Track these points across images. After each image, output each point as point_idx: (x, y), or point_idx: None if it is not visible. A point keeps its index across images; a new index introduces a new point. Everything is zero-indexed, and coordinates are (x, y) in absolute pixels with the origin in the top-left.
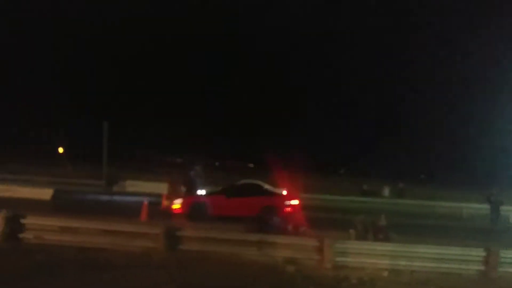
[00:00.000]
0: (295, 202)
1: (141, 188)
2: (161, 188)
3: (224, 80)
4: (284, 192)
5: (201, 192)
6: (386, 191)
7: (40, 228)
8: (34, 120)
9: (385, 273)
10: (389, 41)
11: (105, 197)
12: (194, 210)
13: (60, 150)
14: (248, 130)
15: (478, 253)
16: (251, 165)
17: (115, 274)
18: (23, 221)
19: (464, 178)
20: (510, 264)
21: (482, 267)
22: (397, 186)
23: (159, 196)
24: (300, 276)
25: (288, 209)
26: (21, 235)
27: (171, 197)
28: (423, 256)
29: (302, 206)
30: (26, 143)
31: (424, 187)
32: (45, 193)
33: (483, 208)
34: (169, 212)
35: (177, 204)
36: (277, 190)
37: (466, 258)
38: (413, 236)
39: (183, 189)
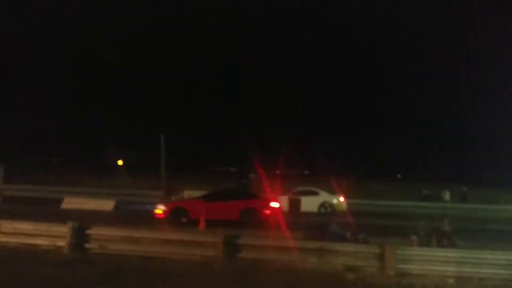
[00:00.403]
0: (275, 204)
1: None
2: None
3: (278, 90)
4: (265, 196)
5: None
6: (447, 195)
7: (104, 239)
8: (93, 134)
9: (451, 281)
10: (440, 43)
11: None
12: (175, 215)
13: (120, 162)
14: (302, 137)
15: None
16: (306, 172)
17: (176, 282)
18: (88, 232)
19: None
20: None
21: None
22: (460, 190)
23: None
24: (361, 284)
25: (267, 211)
26: (87, 245)
27: None
28: (491, 263)
29: (362, 212)
30: (87, 157)
31: (488, 191)
32: (107, 205)
33: None
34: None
35: (159, 210)
36: (258, 194)
37: None
38: (479, 242)
39: None
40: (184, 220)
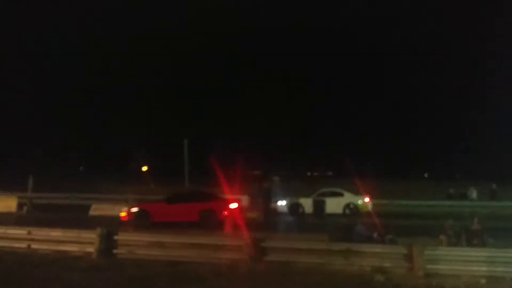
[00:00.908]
0: (234, 205)
1: None
2: (243, 200)
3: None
4: (225, 197)
5: (281, 202)
6: (474, 194)
7: (132, 244)
8: (118, 140)
9: (483, 281)
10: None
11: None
12: (137, 217)
13: (144, 168)
14: (326, 139)
15: None
16: (330, 173)
17: (203, 285)
18: (116, 237)
19: None
20: None
21: None
22: (489, 188)
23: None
24: (390, 285)
25: (226, 212)
26: (115, 251)
27: (252, 208)
28: None
29: (388, 213)
30: (112, 164)
31: None
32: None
33: None
34: (251, 223)
35: (123, 213)
36: (219, 196)
37: None
38: (511, 240)
39: (259, 200)
40: (146, 223)
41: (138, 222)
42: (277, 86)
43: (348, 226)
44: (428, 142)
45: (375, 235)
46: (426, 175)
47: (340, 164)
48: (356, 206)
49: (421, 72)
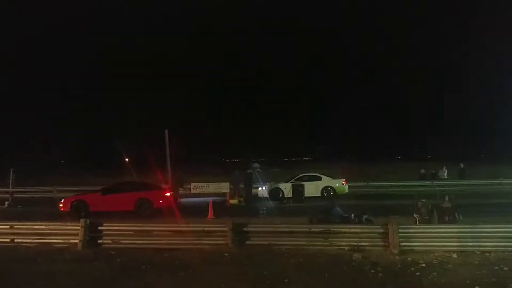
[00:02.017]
0: (168, 194)
1: (205, 189)
2: (224, 187)
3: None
4: (162, 186)
5: (262, 188)
6: (445, 173)
7: (117, 234)
8: (98, 131)
9: (454, 255)
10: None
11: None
12: (74, 208)
13: (126, 159)
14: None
15: None
16: (309, 158)
17: (190, 272)
18: (100, 227)
19: None
20: None
21: None
22: (458, 167)
23: (223, 195)
24: (367, 263)
25: (161, 201)
26: (100, 241)
27: (234, 195)
28: (493, 236)
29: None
30: (92, 154)
31: (485, 167)
32: None
33: None
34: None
35: (61, 204)
36: (155, 185)
37: None
38: (480, 216)
39: (241, 186)
40: (85, 212)
41: (76, 213)
42: (257, 76)
43: (327, 208)
44: (402, 126)
45: (352, 215)
46: (399, 157)
47: (319, 149)
48: (333, 189)
49: (397, 56)
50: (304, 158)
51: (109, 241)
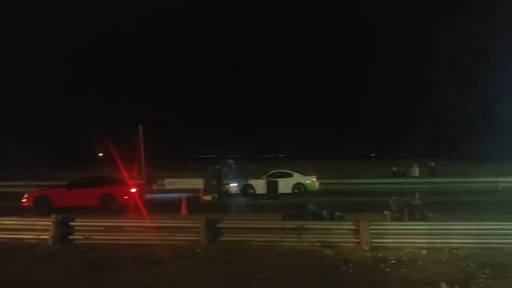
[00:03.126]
0: (133, 190)
1: (179, 185)
2: (198, 183)
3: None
4: (127, 182)
5: (233, 184)
6: (416, 171)
7: (88, 229)
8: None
9: (424, 252)
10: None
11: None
12: (37, 203)
13: (100, 154)
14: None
15: None
16: (283, 155)
17: (163, 267)
18: (71, 223)
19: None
20: None
21: None
22: (428, 165)
23: (197, 191)
24: (339, 259)
25: (126, 197)
26: (71, 237)
27: (207, 190)
28: (462, 233)
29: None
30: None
31: (456, 164)
32: None
33: None
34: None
35: (24, 199)
36: (120, 180)
37: (504, 232)
38: (449, 214)
39: (213, 182)
40: (48, 208)
41: (39, 208)
42: (236, 73)
43: (300, 205)
44: (377, 124)
45: (324, 212)
46: (373, 155)
47: (293, 146)
48: (304, 186)
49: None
50: (279, 155)
51: (81, 237)
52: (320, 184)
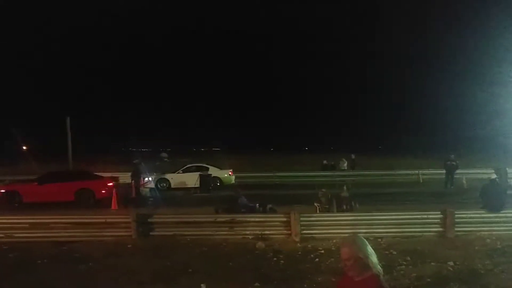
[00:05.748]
0: (110, 184)
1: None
2: (129, 177)
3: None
4: (102, 176)
5: (148, 179)
6: (344, 164)
7: (10, 227)
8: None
9: None
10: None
11: None
12: (6, 198)
13: (24, 147)
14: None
15: (436, 215)
16: (217, 149)
17: (90, 264)
18: None
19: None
20: (464, 223)
21: (440, 228)
22: (350, 158)
23: (128, 185)
24: (271, 251)
25: (104, 191)
26: None
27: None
28: (385, 223)
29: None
30: None
31: (379, 158)
32: None
33: (440, 173)
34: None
35: None
36: (96, 175)
37: (425, 221)
38: (375, 205)
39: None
40: (17, 203)
41: (8, 203)
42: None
43: (233, 198)
44: (308, 117)
45: (257, 205)
46: (306, 148)
47: (228, 140)
48: (220, 179)
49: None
50: (213, 149)
51: (1, 235)
52: (255, 177)
